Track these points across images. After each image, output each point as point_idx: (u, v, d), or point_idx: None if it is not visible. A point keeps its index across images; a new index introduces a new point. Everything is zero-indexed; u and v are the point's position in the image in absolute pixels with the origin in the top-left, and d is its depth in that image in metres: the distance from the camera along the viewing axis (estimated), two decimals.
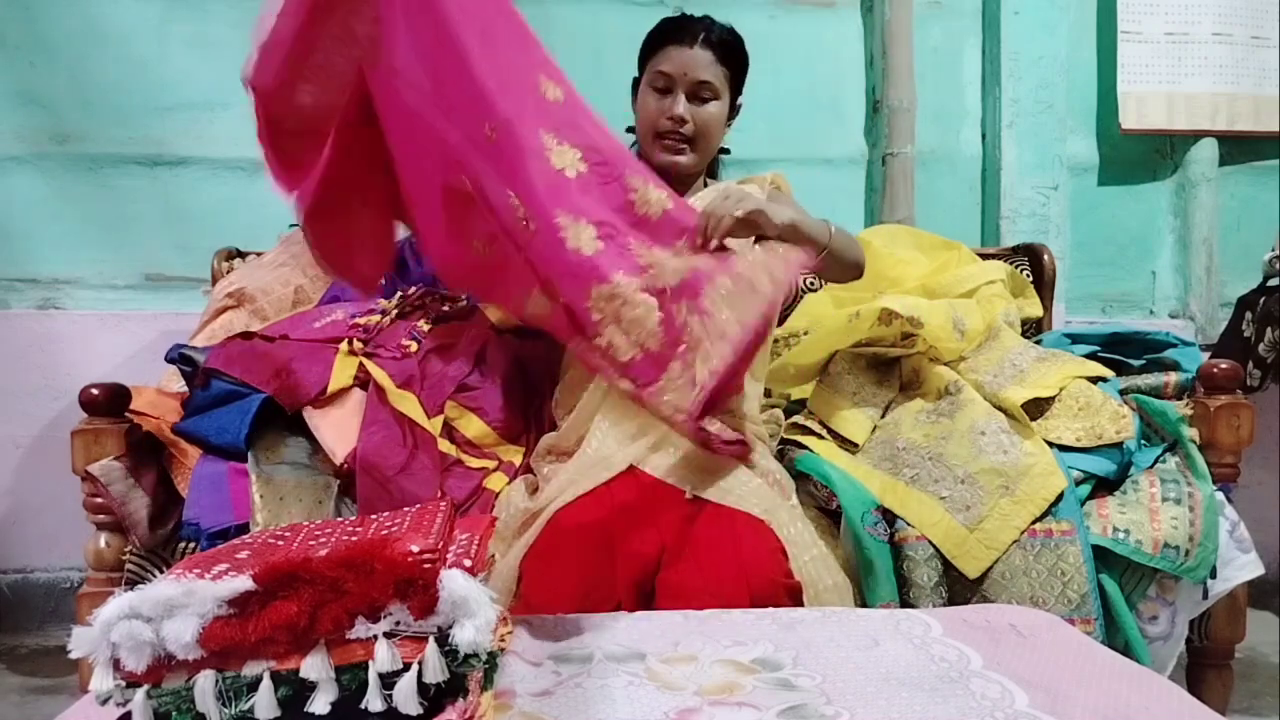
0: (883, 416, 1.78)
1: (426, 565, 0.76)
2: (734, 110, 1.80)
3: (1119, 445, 1.65)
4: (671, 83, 1.71)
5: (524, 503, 1.55)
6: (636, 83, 1.80)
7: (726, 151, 1.89)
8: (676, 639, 1.06)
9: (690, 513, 1.47)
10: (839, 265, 1.63)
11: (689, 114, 1.70)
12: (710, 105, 1.72)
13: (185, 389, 1.75)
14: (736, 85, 1.77)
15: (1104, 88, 2.89)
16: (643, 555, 1.42)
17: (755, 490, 1.50)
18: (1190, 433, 1.70)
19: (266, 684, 0.74)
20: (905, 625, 1.11)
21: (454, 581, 0.75)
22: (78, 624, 0.75)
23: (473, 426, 1.69)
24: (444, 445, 1.63)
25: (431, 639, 0.75)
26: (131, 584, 1.40)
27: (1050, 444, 1.66)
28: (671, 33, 1.73)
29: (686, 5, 2.64)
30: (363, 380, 1.66)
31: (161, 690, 0.75)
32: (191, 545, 1.58)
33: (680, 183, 1.72)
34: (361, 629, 0.74)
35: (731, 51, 1.74)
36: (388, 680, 0.74)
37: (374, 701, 0.74)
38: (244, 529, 1.53)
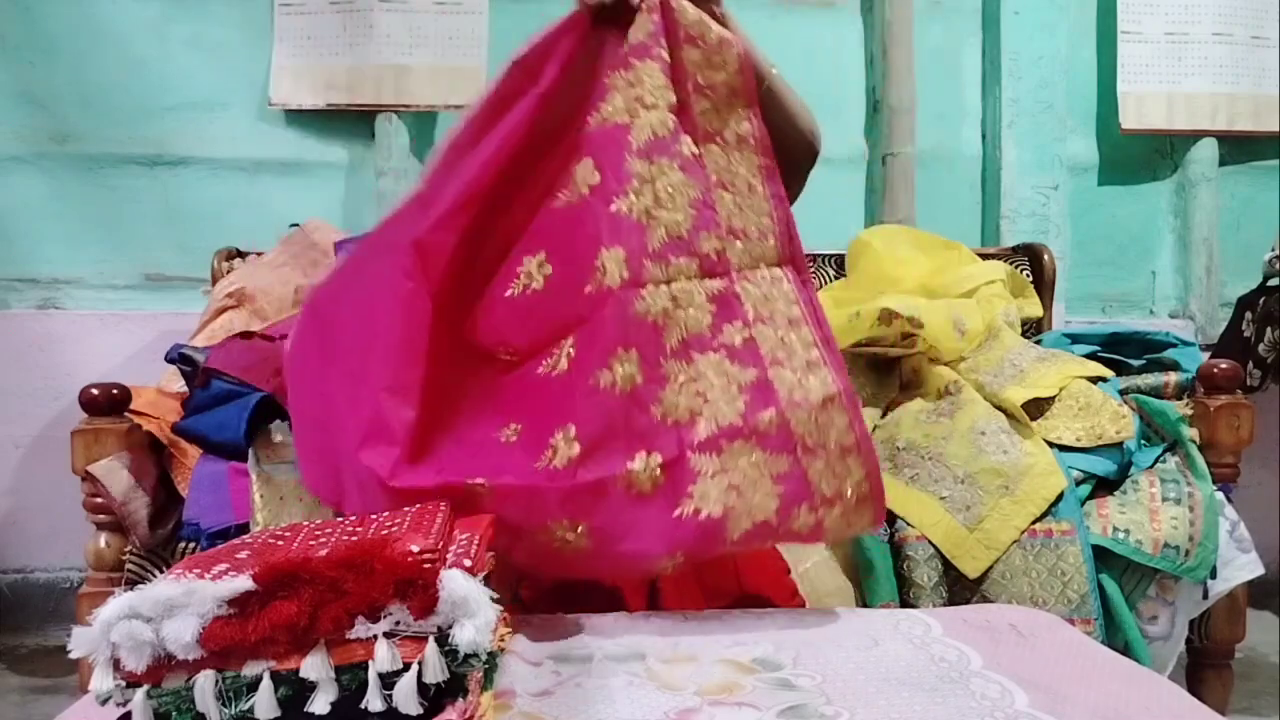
0: (883, 416, 1.78)
1: (426, 565, 0.76)
2: None
3: (1119, 445, 1.65)
4: None
5: None
6: None
7: None
8: (676, 639, 1.06)
9: None
10: (781, 112, 1.37)
11: None
12: None
13: (185, 389, 1.75)
14: None
15: (1104, 88, 2.89)
16: None
17: None
18: (1190, 433, 1.70)
19: (266, 684, 0.74)
20: (905, 625, 1.11)
21: (454, 581, 0.75)
22: (78, 624, 0.75)
23: None
24: None
25: (431, 639, 0.75)
26: (131, 584, 1.40)
27: (1050, 444, 1.66)
28: None
29: None
30: None
31: (161, 690, 0.75)
32: (191, 545, 1.58)
33: None
34: (361, 629, 0.74)
35: None
36: (388, 680, 0.74)
37: (374, 701, 0.74)
38: (244, 529, 1.54)
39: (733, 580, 1.40)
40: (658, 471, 1.11)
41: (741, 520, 1.12)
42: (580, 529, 1.10)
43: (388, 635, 0.75)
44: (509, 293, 1.16)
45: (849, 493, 1.16)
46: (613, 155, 1.16)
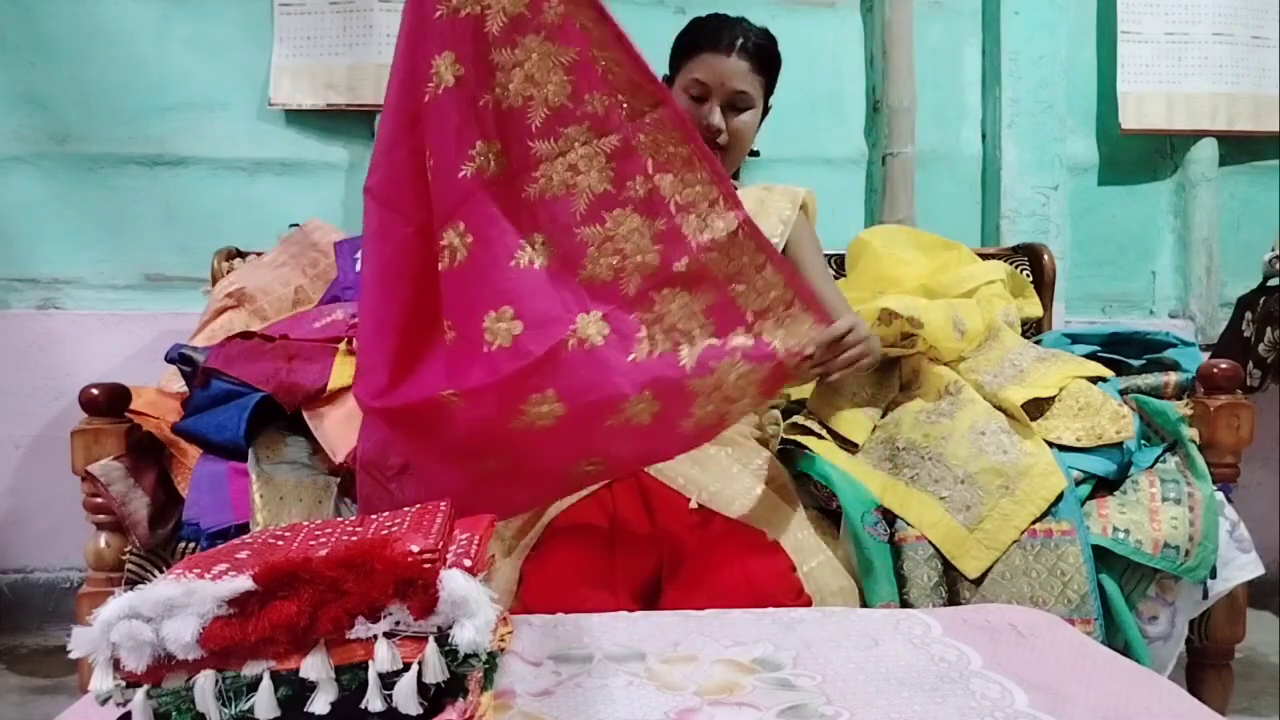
0: (883, 416, 1.78)
1: (426, 565, 0.76)
2: (765, 112, 1.78)
3: (1119, 445, 1.65)
4: (707, 91, 1.66)
5: None
6: (667, 80, 1.77)
7: (756, 154, 1.86)
8: (676, 639, 1.06)
9: (693, 523, 1.46)
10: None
11: (724, 124, 1.66)
12: (745, 114, 1.68)
13: (185, 389, 1.75)
14: (770, 89, 1.75)
15: (1104, 88, 2.89)
16: (643, 565, 1.42)
17: (759, 499, 1.49)
18: (1190, 433, 1.70)
19: (266, 684, 0.74)
20: (905, 625, 1.11)
21: (454, 581, 0.75)
22: (78, 624, 0.75)
23: None
24: None
25: (431, 639, 0.75)
26: (131, 584, 1.40)
27: (1050, 444, 1.66)
28: (708, 39, 1.68)
29: (688, 5, 2.64)
30: None
31: (161, 690, 0.75)
32: (191, 545, 1.58)
33: None
34: (361, 629, 0.74)
35: (767, 58, 1.70)
36: (388, 680, 0.74)
37: (374, 701, 0.74)
38: (244, 529, 1.53)
39: (739, 578, 1.40)
40: (603, 324, 1.20)
41: (690, 352, 1.23)
42: (550, 394, 1.19)
43: (388, 635, 0.75)
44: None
45: (777, 304, 1.28)
46: (471, 48, 1.21)
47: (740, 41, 1.67)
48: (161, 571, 1.13)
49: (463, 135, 1.21)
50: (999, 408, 1.70)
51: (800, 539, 1.49)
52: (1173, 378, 1.81)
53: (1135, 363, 1.91)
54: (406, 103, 1.23)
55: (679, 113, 1.27)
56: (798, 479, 1.64)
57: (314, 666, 0.74)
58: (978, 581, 1.56)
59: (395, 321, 1.24)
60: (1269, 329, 2.42)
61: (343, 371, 1.65)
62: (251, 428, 1.60)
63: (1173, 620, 1.63)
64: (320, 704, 0.74)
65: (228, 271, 2.29)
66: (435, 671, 0.75)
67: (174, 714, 0.75)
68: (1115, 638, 1.56)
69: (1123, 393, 1.77)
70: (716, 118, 1.66)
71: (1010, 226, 2.76)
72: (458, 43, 1.21)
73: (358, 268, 2.10)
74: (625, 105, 1.24)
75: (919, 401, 1.75)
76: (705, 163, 1.26)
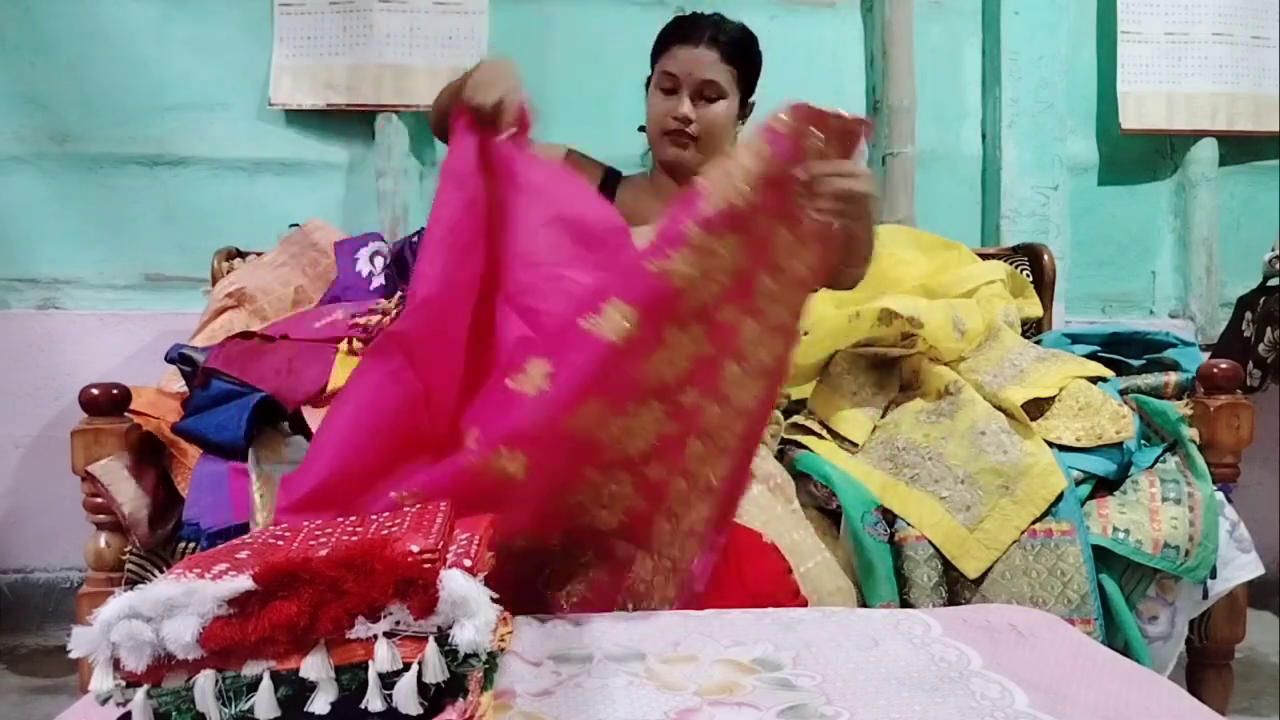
0: (883, 416, 1.78)
1: (426, 565, 0.76)
2: (746, 109, 1.79)
3: (1119, 445, 1.65)
4: (677, 83, 1.70)
5: None
6: (650, 81, 1.79)
7: None
8: (676, 639, 1.06)
9: None
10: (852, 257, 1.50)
11: (694, 114, 1.69)
12: (717, 105, 1.71)
13: (185, 389, 1.75)
14: (746, 83, 1.76)
15: (1104, 88, 2.88)
16: None
17: (755, 499, 1.49)
18: (1190, 433, 1.70)
19: (266, 684, 0.74)
20: (905, 625, 1.11)
21: (454, 581, 0.75)
22: (78, 624, 0.75)
23: None
24: None
25: (431, 639, 0.75)
26: (131, 584, 1.40)
27: (1050, 444, 1.66)
28: (678, 32, 1.73)
29: (688, 5, 2.64)
30: None
31: (161, 690, 0.75)
32: (191, 545, 1.58)
33: (688, 178, 1.72)
34: (361, 629, 0.74)
35: (739, 49, 1.72)
36: (388, 680, 0.74)
37: (374, 701, 0.74)
38: (244, 529, 1.53)
39: (734, 580, 1.40)
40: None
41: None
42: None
43: (388, 635, 0.75)
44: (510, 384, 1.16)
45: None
46: (657, 316, 1.14)
47: (709, 33, 1.70)
48: (161, 571, 1.13)
49: (583, 386, 1.11)
50: (999, 408, 1.70)
51: (797, 540, 1.49)
52: (1173, 378, 1.82)
53: (1135, 363, 1.91)
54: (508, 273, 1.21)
55: (742, 479, 1.28)
56: (798, 479, 1.64)
57: (314, 666, 0.74)
58: (978, 581, 1.56)
59: (357, 472, 1.16)
60: (1269, 329, 2.42)
61: (343, 372, 1.65)
62: (251, 428, 1.60)
63: (1173, 620, 1.63)
64: (320, 704, 0.74)
65: (228, 271, 2.29)
66: (435, 671, 0.75)
67: (174, 714, 0.75)
68: (1115, 638, 1.56)
69: (1123, 393, 1.77)
70: (685, 107, 1.69)
71: (1010, 226, 2.76)
72: (646, 301, 1.11)
73: (357, 267, 2.11)
74: (718, 418, 1.21)
75: (919, 401, 1.75)
76: (717, 510, 1.25)
